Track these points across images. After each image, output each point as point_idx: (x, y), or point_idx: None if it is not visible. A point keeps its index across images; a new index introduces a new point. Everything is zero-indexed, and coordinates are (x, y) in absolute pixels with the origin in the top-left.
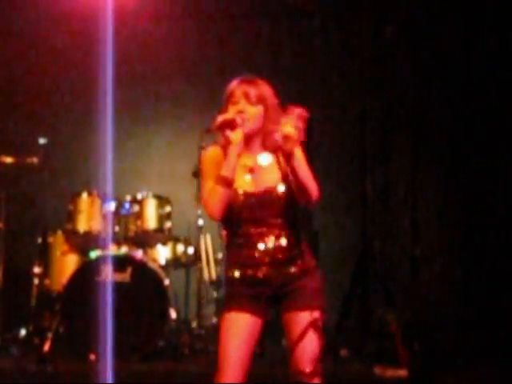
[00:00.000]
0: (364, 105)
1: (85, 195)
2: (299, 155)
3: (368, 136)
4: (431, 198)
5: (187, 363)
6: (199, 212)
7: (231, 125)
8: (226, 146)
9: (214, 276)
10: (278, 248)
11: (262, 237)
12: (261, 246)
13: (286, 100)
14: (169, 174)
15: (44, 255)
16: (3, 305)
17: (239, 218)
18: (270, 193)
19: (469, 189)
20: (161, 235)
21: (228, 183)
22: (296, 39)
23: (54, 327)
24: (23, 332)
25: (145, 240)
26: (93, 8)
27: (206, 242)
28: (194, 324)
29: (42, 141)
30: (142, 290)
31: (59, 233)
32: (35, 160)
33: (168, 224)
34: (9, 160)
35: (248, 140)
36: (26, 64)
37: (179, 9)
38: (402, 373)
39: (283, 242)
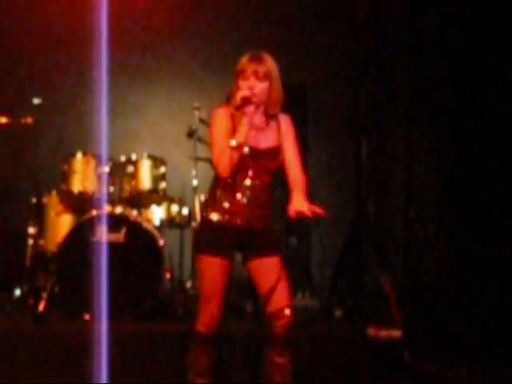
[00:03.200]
0: (357, 68)
1: (79, 156)
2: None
3: (362, 98)
4: (425, 158)
5: (181, 323)
6: (193, 173)
7: (246, 100)
8: (238, 107)
9: None
10: (256, 202)
11: (244, 189)
12: (241, 197)
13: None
14: (163, 135)
15: (38, 216)
16: None
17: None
18: (262, 152)
19: (463, 150)
20: (155, 196)
21: (240, 148)
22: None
23: (49, 287)
24: (18, 292)
25: (139, 200)
26: None
27: (201, 202)
28: (189, 284)
29: (36, 101)
30: (137, 250)
31: (54, 193)
32: (29, 120)
33: (163, 184)
34: (3, 120)
35: (256, 109)
36: (22, 25)
37: None
38: (396, 334)
39: (262, 198)
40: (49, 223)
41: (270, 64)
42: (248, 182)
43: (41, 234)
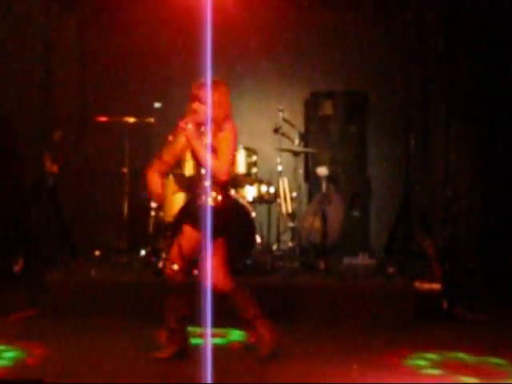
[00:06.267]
0: (406, 77)
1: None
2: (193, 141)
3: (410, 102)
4: (459, 148)
5: (269, 277)
6: (278, 160)
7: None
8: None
9: (289, 210)
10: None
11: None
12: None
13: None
14: (255, 130)
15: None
16: (128, 231)
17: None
18: None
19: (491, 141)
20: (248, 178)
21: None
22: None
23: (166, 249)
24: (143, 252)
25: (236, 182)
26: None
27: (284, 184)
28: (274, 247)
29: (156, 105)
30: (234, 220)
31: (170, 176)
32: (152, 120)
33: (254, 169)
34: (131, 120)
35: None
36: (146, 47)
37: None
38: (436, 286)
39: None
40: (167, 200)
41: (214, 88)
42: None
43: (160, 207)
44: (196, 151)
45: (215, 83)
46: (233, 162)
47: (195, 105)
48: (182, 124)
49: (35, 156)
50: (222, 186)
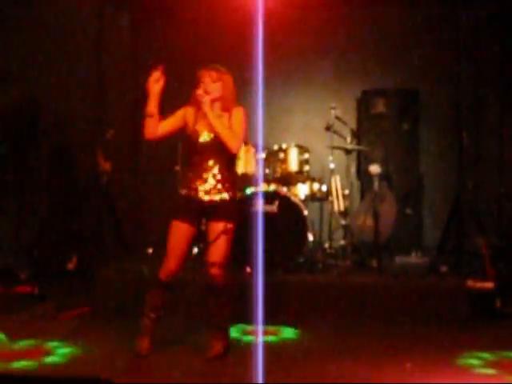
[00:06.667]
0: (459, 69)
1: (242, 145)
2: (209, 113)
3: (463, 97)
4: None
5: (321, 275)
6: (330, 158)
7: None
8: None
9: (342, 208)
10: (210, 179)
11: (202, 170)
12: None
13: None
14: (307, 128)
15: None
16: None
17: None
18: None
19: None
20: (301, 176)
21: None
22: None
23: None
24: (195, 250)
25: (288, 180)
26: None
27: (336, 181)
28: (326, 245)
29: None
30: (287, 218)
31: None
32: None
33: (306, 167)
34: None
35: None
36: (197, 50)
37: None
38: (489, 285)
39: (215, 177)
40: None
41: (222, 71)
42: (203, 165)
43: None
44: (212, 121)
45: (221, 71)
46: (243, 143)
47: (205, 85)
48: (200, 92)
49: (89, 155)
50: (231, 168)
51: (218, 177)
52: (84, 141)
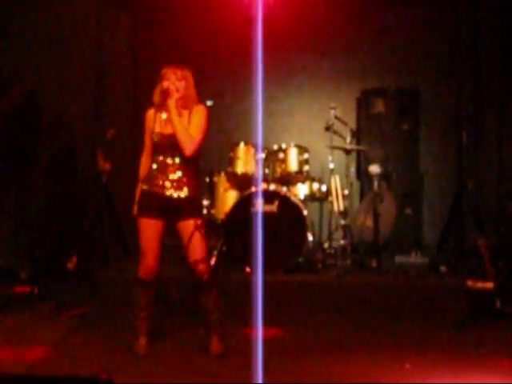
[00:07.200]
0: (459, 69)
1: (242, 145)
2: (173, 110)
3: (463, 97)
4: None
5: (320, 275)
6: (330, 158)
7: (167, 91)
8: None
9: (341, 208)
10: (174, 176)
11: (165, 168)
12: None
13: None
14: (307, 128)
15: (211, 191)
16: None
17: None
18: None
19: None
20: (300, 176)
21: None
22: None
23: (219, 246)
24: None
25: (288, 180)
26: None
27: (336, 181)
28: (326, 245)
29: (209, 103)
30: (286, 218)
31: (222, 174)
32: None
33: (306, 167)
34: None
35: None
36: (203, 51)
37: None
38: (489, 285)
39: (178, 174)
40: (218, 197)
41: (185, 69)
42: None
43: (212, 205)
44: (173, 118)
45: (182, 68)
46: (201, 143)
47: (166, 83)
48: (172, 87)
49: (89, 154)
50: (190, 166)
51: (179, 173)
52: (84, 141)
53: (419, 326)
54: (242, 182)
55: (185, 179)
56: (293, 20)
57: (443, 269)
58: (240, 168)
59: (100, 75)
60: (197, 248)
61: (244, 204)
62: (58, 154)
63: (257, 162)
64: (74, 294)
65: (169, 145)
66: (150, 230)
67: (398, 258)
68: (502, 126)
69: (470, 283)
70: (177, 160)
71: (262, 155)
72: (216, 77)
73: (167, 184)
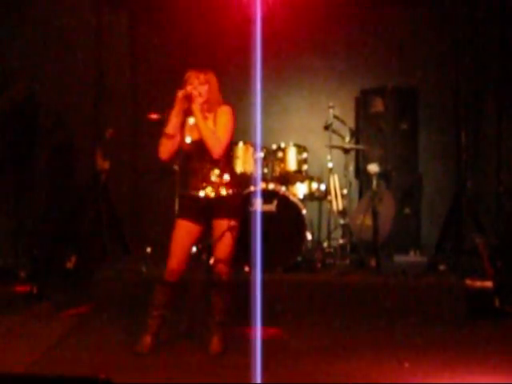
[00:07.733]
0: (458, 68)
1: (241, 144)
2: (198, 114)
3: (462, 96)
4: None
5: (319, 274)
6: (329, 157)
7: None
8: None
9: (340, 207)
10: (208, 178)
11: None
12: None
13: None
14: (305, 127)
15: None
16: None
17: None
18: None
19: None
20: (299, 175)
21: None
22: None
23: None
24: (194, 249)
25: (287, 179)
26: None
27: (335, 181)
28: (325, 244)
29: None
30: (285, 217)
31: None
32: None
33: (305, 167)
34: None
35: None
36: (207, 51)
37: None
38: (488, 284)
39: (214, 174)
40: None
41: (209, 73)
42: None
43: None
44: (199, 125)
45: (206, 71)
46: (229, 143)
47: (189, 88)
48: (195, 92)
49: (87, 153)
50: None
51: (215, 173)
52: (83, 140)
53: (418, 325)
54: (241, 182)
55: (219, 179)
56: (291, 20)
57: (442, 268)
58: (239, 167)
59: (99, 75)
60: (223, 248)
61: (243, 203)
62: (57, 153)
63: (255, 161)
64: (73, 294)
65: (198, 150)
66: (183, 231)
67: (397, 257)
68: (501, 126)
69: (468, 282)
70: (208, 162)
71: (260, 154)
72: (216, 75)
73: (203, 185)
